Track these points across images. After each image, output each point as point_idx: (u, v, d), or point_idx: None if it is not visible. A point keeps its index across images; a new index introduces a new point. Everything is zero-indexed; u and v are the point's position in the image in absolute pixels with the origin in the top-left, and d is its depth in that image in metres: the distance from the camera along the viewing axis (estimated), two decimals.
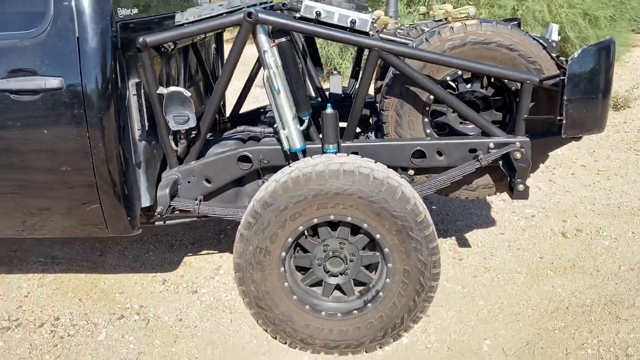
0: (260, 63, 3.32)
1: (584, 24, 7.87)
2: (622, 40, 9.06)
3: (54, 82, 2.12)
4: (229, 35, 6.70)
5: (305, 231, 2.30)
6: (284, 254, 2.28)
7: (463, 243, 3.38)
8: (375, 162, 2.30)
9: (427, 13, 3.05)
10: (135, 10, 2.39)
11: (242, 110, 3.57)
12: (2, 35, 2.13)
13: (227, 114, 3.57)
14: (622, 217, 3.64)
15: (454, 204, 3.92)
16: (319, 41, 8.12)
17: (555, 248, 3.29)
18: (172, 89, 2.38)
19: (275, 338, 2.44)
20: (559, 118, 2.30)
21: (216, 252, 3.36)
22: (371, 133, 3.01)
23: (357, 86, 3.07)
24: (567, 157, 4.84)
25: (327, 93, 3.44)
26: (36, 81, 2.12)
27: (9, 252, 3.45)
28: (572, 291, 2.85)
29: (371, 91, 3.36)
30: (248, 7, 2.43)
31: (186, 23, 2.42)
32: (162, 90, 2.37)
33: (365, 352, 2.41)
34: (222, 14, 2.41)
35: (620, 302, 2.73)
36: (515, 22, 2.90)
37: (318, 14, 2.35)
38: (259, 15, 2.27)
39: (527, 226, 3.57)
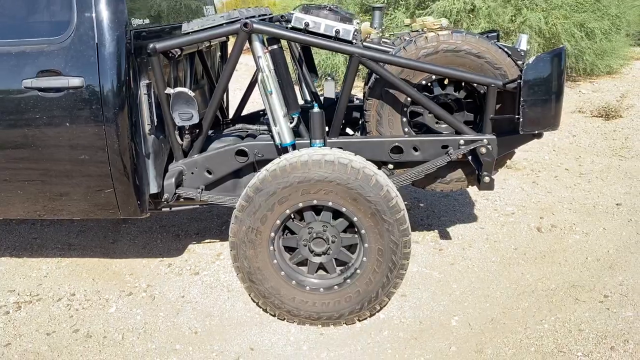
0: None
1: (581, 34, 8.13)
2: (620, 53, 9.31)
3: (75, 81, 2.47)
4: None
5: (292, 215, 2.60)
6: (273, 234, 2.58)
7: (445, 236, 3.66)
8: (355, 155, 2.60)
9: (410, 25, 3.36)
10: (147, 21, 2.74)
11: (243, 113, 3.90)
12: (33, 40, 2.48)
13: (230, 116, 3.91)
14: (596, 215, 3.90)
15: (440, 203, 4.21)
16: (326, 52, 8.51)
17: (529, 241, 3.56)
18: (178, 89, 2.71)
19: (266, 310, 2.75)
20: (517, 117, 2.59)
21: (218, 240, 3.68)
22: (358, 132, 3.32)
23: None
24: (554, 162, 5.11)
25: (321, 98, 3.76)
26: (61, 80, 2.47)
27: (29, 239, 3.80)
28: (539, 277, 3.12)
29: (361, 96, 3.69)
30: (246, 18, 2.77)
31: (191, 32, 2.75)
32: (170, 90, 2.71)
33: (345, 324, 2.70)
34: (222, 24, 2.74)
35: (581, 287, 2.99)
36: (494, 34, 3.21)
37: (307, 24, 2.68)
38: (254, 25, 2.61)
39: (506, 222, 3.84)
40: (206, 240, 3.70)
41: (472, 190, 4.37)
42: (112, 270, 3.34)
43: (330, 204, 2.53)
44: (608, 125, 6.38)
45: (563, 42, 8.15)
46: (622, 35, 9.29)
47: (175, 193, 2.83)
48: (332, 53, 9.01)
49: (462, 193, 4.37)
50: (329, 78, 3.80)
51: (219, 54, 3.98)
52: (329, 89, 3.79)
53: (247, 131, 3.26)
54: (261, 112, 3.88)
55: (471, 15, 8.45)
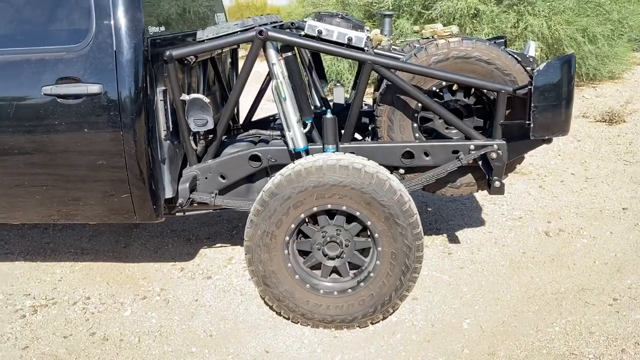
0: (269, 78, 3.72)
1: (583, 40, 8.19)
2: (622, 58, 9.37)
3: (94, 88, 2.51)
4: (243, 52, 7.13)
5: (306, 219, 2.64)
6: (287, 238, 2.62)
7: (453, 239, 3.70)
8: (368, 160, 2.65)
9: (420, 32, 3.41)
10: (162, 28, 2.79)
11: (253, 119, 3.94)
12: (52, 48, 2.53)
13: (241, 122, 3.95)
14: (603, 220, 3.93)
15: (448, 207, 4.25)
16: (331, 58, 8.58)
17: (537, 245, 3.60)
18: (194, 95, 2.75)
19: (280, 313, 2.78)
20: (527, 122, 2.64)
21: (229, 245, 3.72)
22: (369, 138, 3.37)
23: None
24: (559, 166, 5.15)
25: (331, 103, 3.81)
26: (80, 87, 2.52)
27: (42, 243, 3.84)
28: (548, 281, 3.15)
29: (371, 102, 3.74)
30: (259, 26, 2.83)
31: (206, 39, 2.80)
32: (185, 96, 2.76)
33: (358, 326, 2.73)
34: (237, 31, 2.79)
35: (590, 290, 3.03)
36: (502, 40, 3.25)
37: (320, 32, 2.73)
38: (269, 33, 2.66)
39: (514, 226, 3.88)
40: (217, 245, 3.74)
41: (479, 195, 4.41)
42: (125, 274, 3.38)
43: (344, 208, 2.57)
44: (612, 130, 6.42)
45: (565, 47, 8.21)
46: (625, 40, 9.35)
47: (189, 198, 2.87)
48: (337, 59, 9.08)
49: (469, 197, 4.41)
50: (338, 84, 3.86)
51: (229, 60, 4.03)
52: (338, 95, 3.85)
53: (259, 136, 3.31)
54: (271, 118, 3.93)
55: (474, 21, 8.52)
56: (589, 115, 7.00)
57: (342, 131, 2.97)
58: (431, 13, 8.44)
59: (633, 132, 6.23)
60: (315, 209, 2.58)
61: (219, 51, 3.50)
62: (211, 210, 3.12)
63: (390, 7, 8.81)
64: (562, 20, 8.11)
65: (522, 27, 8.24)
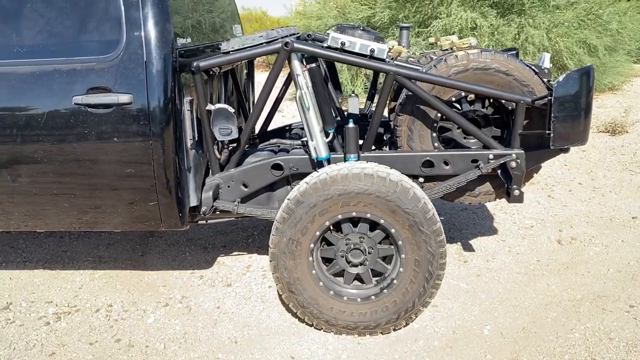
0: (284, 88, 3.79)
1: (583, 52, 8.31)
2: (622, 70, 9.51)
3: (125, 98, 2.56)
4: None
5: (331, 226, 2.69)
6: (312, 245, 2.67)
7: (468, 248, 3.75)
8: (391, 169, 2.70)
9: (436, 43, 3.48)
10: (189, 40, 2.85)
11: (269, 128, 4.00)
12: (84, 59, 2.58)
13: (256, 132, 4.01)
14: (613, 228, 4.00)
15: (460, 216, 4.30)
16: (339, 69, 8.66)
17: (551, 253, 3.65)
18: (219, 105, 2.81)
19: (304, 320, 2.82)
20: (547, 132, 2.70)
21: (245, 253, 3.76)
22: (386, 147, 3.42)
23: (374, 105, 3.49)
24: (566, 176, 5.22)
25: (345, 113, 3.87)
26: (110, 97, 2.57)
27: (59, 252, 3.86)
28: (564, 288, 3.20)
29: (385, 112, 3.80)
30: (283, 38, 2.89)
31: (232, 50, 2.86)
32: (211, 106, 2.81)
33: (381, 333, 2.77)
34: (262, 43, 2.86)
35: (606, 297, 3.08)
36: (514, 52, 3.32)
37: (343, 43, 2.79)
38: (294, 44, 2.72)
39: (526, 235, 3.94)
40: (234, 253, 3.77)
41: (490, 204, 4.47)
42: (145, 282, 3.41)
43: (368, 215, 2.62)
44: (615, 140, 6.52)
45: (565, 59, 8.33)
46: (624, 52, 9.50)
47: (212, 206, 2.91)
48: (339, 71, 9.18)
49: (480, 207, 4.47)
50: (352, 95, 3.93)
51: (245, 71, 4.09)
52: (352, 105, 3.91)
53: (279, 145, 3.36)
54: (287, 128, 3.98)
55: (475, 33, 8.63)
56: (592, 126, 7.09)
57: (360, 141, 3.03)
58: (429, 30, 8.56)
59: (637, 143, 6.32)
60: (340, 216, 2.63)
61: (239, 62, 3.56)
62: (233, 218, 3.15)
63: (387, 22, 8.93)
64: (562, 32, 8.23)
65: (522, 38, 8.36)
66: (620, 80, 9.65)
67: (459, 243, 3.83)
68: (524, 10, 8.54)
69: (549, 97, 2.67)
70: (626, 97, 9.27)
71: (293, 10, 14.15)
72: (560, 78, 2.65)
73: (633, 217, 4.16)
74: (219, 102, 3.33)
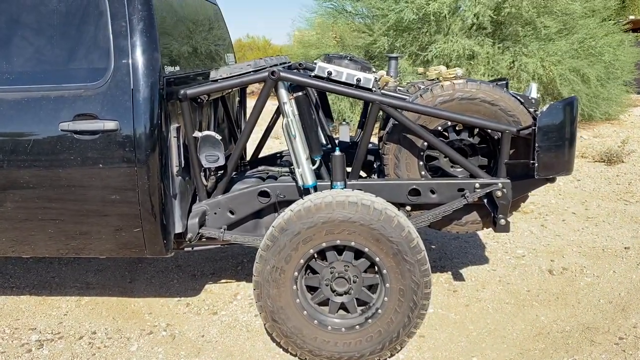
0: (276, 116, 3.81)
1: (577, 80, 8.39)
2: (618, 100, 9.56)
3: (110, 125, 2.58)
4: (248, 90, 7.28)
5: (315, 254, 2.68)
6: (296, 273, 2.65)
7: (458, 277, 3.72)
8: (376, 197, 2.70)
9: (424, 73, 3.51)
10: (177, 68, 2.88)
11: (260, 156, 4.01)
12: (71, 85, 2.61)
13: (247, 159, 4.02)
14: (605, 258, 3.97)
15: (452, 245, 4.28)
16: (332, 96, 8.75)
17: (541, 283, 3.62)
18: (206, 132, 2.83)
19: (287, 350, 2.78)
20: (532, 162, 2.71)
21: (234, 281, 3.73)
22: (374, 175, 3.43)
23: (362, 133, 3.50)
24: (560, 206, 5.21)
25: (336, 141, 3.88)
26: (97, 124, 2.59)
27: (48, 277, 3.84)
28: (554, 319, 3.16)
29: (375, 140, 3.82)
30: (271, 66, 2.92)
31: (219, 79, 2.89)
32: (197, 133, 2.83)
33: None
34: (249, 72, 2.89)
35: (596, 329, 3.04)
36: (504, 82, 3.35)
37: (329, 73, 2.83)
38: (281, 73, 2.75)
39: (518, 264, 3.91)
40: (222, 281, 3.75)
41: (482, 233, 4.45)
42: (131, 309, 3.38)
43: (353, 244, 2.61)
44: (611, 170, 6.52)
45: (559, 87, 8.40)
46: (619, 82, 9.56)
47: (198, 233, 2.90)
48: (339, 99, 9.27)
49: (472, 235, 4.45)
50: (343, 123, 3.95)
51: (237, 98, 4.13)
52: (343, 133, 3.93)
53: (267, 173, 3.36)
54: (278, 155, 4.00)
55: (471, 62, 8.73)
56: (587, 156, 7.11)
57: (348, 168, 3.03)
58: (427, 54, 8.66)
59: (632, 173, 6.32)
60: (324, 244, 2.62)
61: (229, 90, 3.59)
62: (218, 246, 3.14)
63: (386, 49, 9.05)
64: (555, 60, 8.33)
65: (517, 67, 8.45)
66: (616, 110, 9.71)
67: (450, 272, 3.80)
68: (519, 40, 8.65)
69: (533, 127, 2.68)
70: (623, 127, 9.31)
71: (294, 39, 14.37)
72: (544, 108, 2.66)
73: (625, 248, 4.14)
74: (208, 129, 3.35)
